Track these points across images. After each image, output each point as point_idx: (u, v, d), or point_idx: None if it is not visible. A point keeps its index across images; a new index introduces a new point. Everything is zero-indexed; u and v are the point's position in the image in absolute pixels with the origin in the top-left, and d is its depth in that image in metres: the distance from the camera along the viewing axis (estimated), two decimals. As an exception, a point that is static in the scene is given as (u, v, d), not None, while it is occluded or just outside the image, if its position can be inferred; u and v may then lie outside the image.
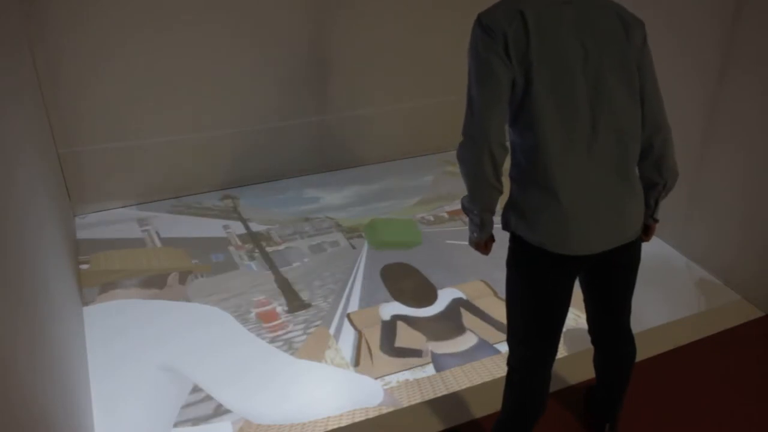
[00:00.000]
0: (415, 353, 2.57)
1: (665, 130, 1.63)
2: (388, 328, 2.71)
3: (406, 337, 2.66)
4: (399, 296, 2.92)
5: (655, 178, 1.67)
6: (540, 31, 1.46)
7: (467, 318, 2.78)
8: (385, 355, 2.55)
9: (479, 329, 2.71)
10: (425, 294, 2.95)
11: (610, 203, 1.57)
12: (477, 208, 1.63)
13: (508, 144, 1.57)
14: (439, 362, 2.52)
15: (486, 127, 1.50)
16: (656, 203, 1.72)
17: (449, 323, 2.75)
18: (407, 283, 3.03)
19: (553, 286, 1.65)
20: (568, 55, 1.47)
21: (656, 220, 1.77)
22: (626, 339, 1.91)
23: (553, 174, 1.50)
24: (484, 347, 2.61)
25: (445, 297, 2.92)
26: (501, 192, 1.59)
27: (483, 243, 1.74)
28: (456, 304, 2.87)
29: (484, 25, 1.48)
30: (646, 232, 1.77)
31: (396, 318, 2.77)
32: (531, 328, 1.74)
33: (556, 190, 1.51)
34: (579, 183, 1.52)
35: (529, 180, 1.55)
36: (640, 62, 1.55)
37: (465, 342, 2.64)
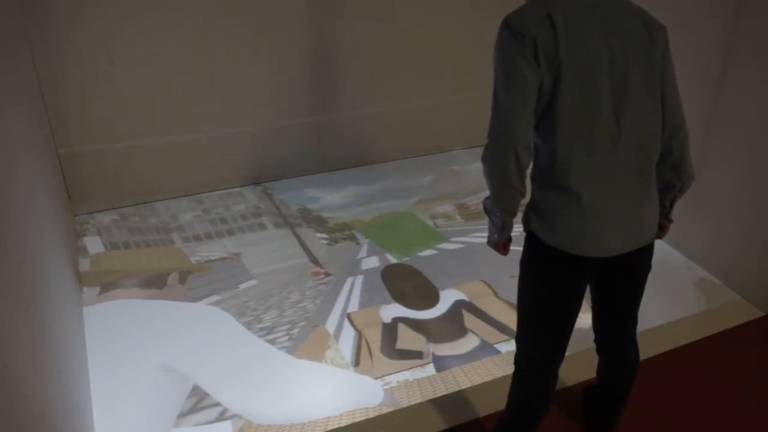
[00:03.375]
0: (416, 355, 2.57)
1: (684, 133, 1.65)
2: (389, 331, 2.70)
3: (407, 339, 2.66)
4: (400, 298, 2.92)
5: (672, 180, 1.69)
6: (569, 34, 1.45)
7: (469, 320, 2.78)
8: (386, 358, 2.55)
9: (481, 331, 2.71)
10: (427, 296, 2.94)
11: (629, 206, 1.58)
12: (499, 210, 1.64)
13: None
14: (441, 365, 2.52)
15: (512, 130, 1.48)
16: (672, 204, 1.74)
17: (451, 325, 2.75)
18: (408, 284, 3.03)
19: (568, 288, 1.65)
20: (595, 58, 1.48)
21: (671, 220, 1.79)
22: (631, 345, 1.91)
23: (575, 176, 1.51)
24: (486, 349, 2.61)
25: (447, 299, 2.92)
26: (523, 195, 1.60)
27: (502, 244, 1.76)
28: (458, 306, 2.87)
29: (512, 29, 1.46)
30: (661, 231, 1.78)
31: (397, 320, 2.77)
32: (541, 329, 1.74)
33: (577, 192, 1.52)
34: (600, 185, 1.53)
35: (550, 181, 1.56)
36: (662, 66, 1.57)
37: (467, 344, 2.64)
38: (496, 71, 1.51)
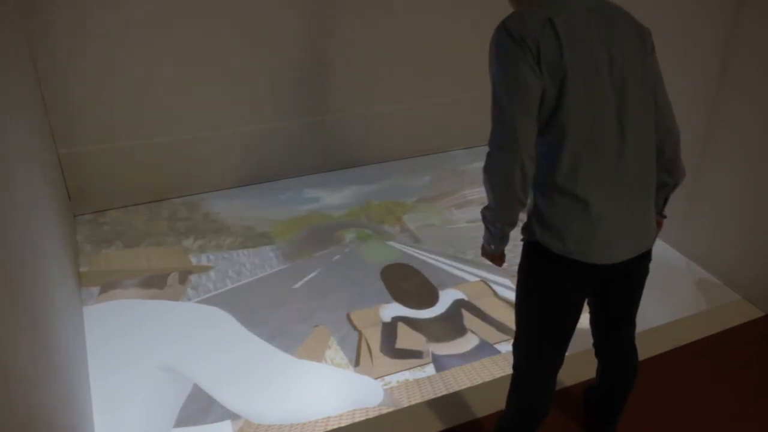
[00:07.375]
0: (416, 355, 2.57)
1: (676, 133, 1.64)
2: (389, 330, 2.71)
3: (406, 338, 2.66)
4: (400, 297, 2.92)
5: (665, 179, 1.68)
6: (570, 38, 1.42)
7: (468, 319, 2.78)
8: (386, 357, 2.55)
9: (480, 330, 2.71)
10: (426, 295, 2.94)
11: (636, 211, 1.57)
12: (500, 222, 1.58)
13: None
14: (441, 364, 2.52)
15: (518, 141, 1.42)
16: (665, 200, 1.74)
17: (450, 325, 2.75)
18: (408, 284, 3.03)
19: (571, 297, 1.63)
20: (597, 63, 1.45)
21: (664, 216, 1.78)
22: (630, 350, 1.90)
23: (582, 183, 1.48)
24: (485, 348, 2.61)
25: (446, 298, 2.92)
26: (525, 206, 1.55)
27: (498, 255, 1.72)
28: (457, 306, 2.87)
29: (513, 33, 1.40)
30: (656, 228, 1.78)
31: (397, 320, 2.77)
32: (542, 339, 1.72)
33: (585, 198, 1.49)
34: (607, 191, 1.51)
35: (555, 189, 1.51)
36: (653, 69, 1.56)
37: (466, 343, 2.64)
38: (495, 79, 1.45)
